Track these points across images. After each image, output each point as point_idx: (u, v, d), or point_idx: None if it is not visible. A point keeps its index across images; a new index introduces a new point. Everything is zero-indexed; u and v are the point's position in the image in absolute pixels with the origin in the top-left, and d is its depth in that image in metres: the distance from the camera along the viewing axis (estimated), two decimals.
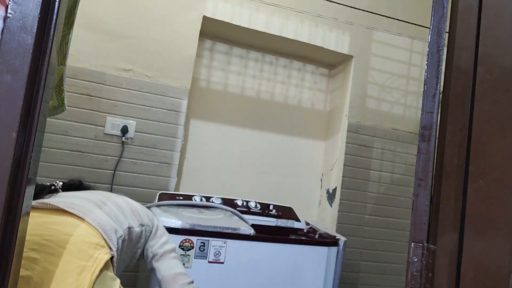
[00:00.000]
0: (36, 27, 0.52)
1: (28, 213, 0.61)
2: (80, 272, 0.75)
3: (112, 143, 1.81)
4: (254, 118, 2.28)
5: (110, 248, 0.87)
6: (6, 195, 0.50)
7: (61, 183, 1.19)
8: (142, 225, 1.12)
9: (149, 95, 1.86)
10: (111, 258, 0.87)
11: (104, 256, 0.82)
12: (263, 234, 1.59)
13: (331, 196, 2.22)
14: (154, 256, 1.15)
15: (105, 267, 0.82)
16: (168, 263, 1.13)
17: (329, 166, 2.30)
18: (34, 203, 0.90)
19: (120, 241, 0.95)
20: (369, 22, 2.22)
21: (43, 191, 1.07)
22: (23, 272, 0.70)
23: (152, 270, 1.15)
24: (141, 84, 1.86)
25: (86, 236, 0.83)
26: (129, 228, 1.04)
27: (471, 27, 0.63)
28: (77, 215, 0.87)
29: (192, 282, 1.14)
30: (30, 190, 0.59)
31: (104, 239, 0.87)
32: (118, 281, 0.86)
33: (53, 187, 1.14)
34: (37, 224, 0.80)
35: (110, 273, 0.83)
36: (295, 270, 1.51)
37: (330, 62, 2.39)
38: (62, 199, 0.97)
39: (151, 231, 1.17)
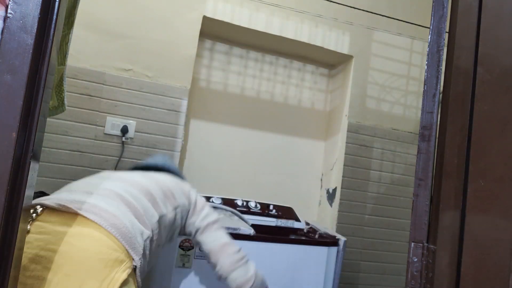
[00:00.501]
0: (36, 27, 0.52)
1: (28, 213, 0.61)
2: None
3: (112, 143, 1.81)
4: (254, 118, 2.28)
5: (133, 258, 0.85)
6: (6, 195, 0.50)
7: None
8: (176, 207, 1.11)
9: (149, 95, 1.86)
10: (134, 268, 0.85)
11: (121, 274, 0.79)
12: (263, 234, 1.59)
13: (331, 196, 2.22)
14: (197, 230, 1.15)
15: (124, 284, 0.79)
16: (213, 235, 1.15)
17: (329, 166, 2.30)
18: (53, 202, 0.84)
19: (147, 242, 0.93)
20: (369, 22, 2.22)
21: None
22: None
23: (198, 244, 1.17)
24: (141, 84, 1.86)
25: (104, 252, 0.79)
26: (161, 218, 1.02)
27: (471, 27, 0.63)
28: (98, 223, 0.83)
29: (240, 250, 1.15)
30: (30, 190, 0.58)
31: (126, 250, 0.84)
32: None
33: None
34: (55, 236, 0.78)
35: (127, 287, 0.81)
36: (295, 270, 1.51)
37: (330, 62, 2.39)
38: (81, 196, 0.90)
39: (189, 210, 1.17)
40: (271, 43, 2.19)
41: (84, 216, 0.83)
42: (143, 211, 0.97)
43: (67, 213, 0.84)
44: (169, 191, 1.12)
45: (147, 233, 0.94)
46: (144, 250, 0.90)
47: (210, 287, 1.41)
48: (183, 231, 1.19)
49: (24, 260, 0.73)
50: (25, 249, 0.71)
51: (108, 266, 0.78)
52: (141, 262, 0.88)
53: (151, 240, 0.96)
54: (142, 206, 0.98)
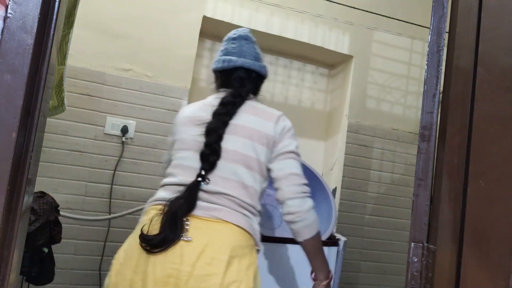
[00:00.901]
0: (36, 27, 0.52)
1: (28, 213, 0.61)
2: (248, 268, 0.93)
3: (112, 143, 1.81)
4: None
5: (257, 245, 1.03)
6: (6, 195, 0.50)
7: None
8: (273, 147, 1.12)
9: (149, 95, 1.86)
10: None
11: (257, 255, 1.01)
12: (264, 234, 1.59)
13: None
14: (271, 158, 1.12)
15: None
16: (283, 163, 1.10)
17: (329, 166, 2.30)
18: (201, 212, 0.97)
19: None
20: (369, 22, 2.22)
21: None
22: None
23: (268, 171, 1.12)
24: (141, 84, 1.86)
25: (246, 240, 0.98)
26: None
27: (471, 27, 0.63)
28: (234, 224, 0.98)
29: (306, 184, 1.10)
30: (30, 190, 0.58)
31: (254, 239, 1.02)
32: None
33: None
34: (211, 235, 0.94)
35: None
36: (295, 270, 1.51)
37: (330, 62, 2.39)
38: (214, 197, 1.00)
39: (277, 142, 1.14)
40: (271, 43, 2.19)
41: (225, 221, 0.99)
42: (260, 188, 1.09)
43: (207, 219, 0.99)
44: (264, 137, 1.12)
45: (259, 207, 1.08)
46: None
47: None
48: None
49: None
50: None
51: (252, 249, 1.00)
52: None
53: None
54: (257, 185, 1.08)
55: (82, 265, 1.76)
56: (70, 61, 1.71)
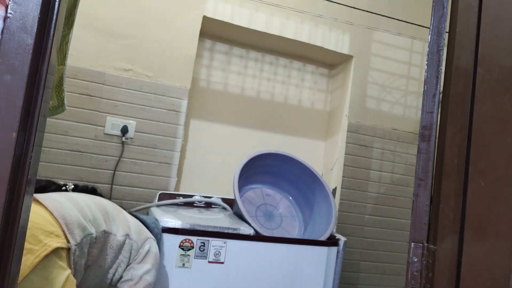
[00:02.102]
0: (36, 27, 0.52)
1: (28, 213, 0.61)
2: (25, 254, 0.80)
3: (112, 143, 1.81)
4: (254, 118, 2.28)
5: (68, 240, 0.92)
6: (6, 195, 0.50)
7: (72, 186, 1.26)
8: (128, 235, 1.14)
9: (149, 95, 1.86)
10: (68, 250, 0.92)
11: (55, 244, 0.87)
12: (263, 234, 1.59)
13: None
14: (130, 279, 1.12)
15: (55, 254, 0.87)
16: None
17: (329, 166, 2.30)
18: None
19: (88, 239, 1.00)
20: (369, 22, 2.22)
21: (49, 186, 1.18)
22: None
23: None
24: (141, 84, 1.86)
25: (42, 223, 0.89)
26: (106, 232, 1.08)
27: (471, 27, 0.63)
28: (44, 205, 0.95)
29: None
30: (30, 190, 0.58)
31: (63, 231, 0.93)
32: (68, 271, 0.89)
33: (63, 188, 1.23)
34: None
35: (61, 262, 0.88)
36: (295, 270, 1.51)
37: (330, 62, 2.39)
38: (51, 195, 1.04)
39: (138, 251, 1.16)
40: (271, 43, 2.19)
41: (37, 200, 0.97)
42: (91, 217, 1.06)
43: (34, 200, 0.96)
44: (126, 219, 1.17)
45: (89, 230, 1.01)
46: (82, 243, 0.97)
47: (210, 287, 1.41)
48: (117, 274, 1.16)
49: None
50: None
51: (43, 234, 0.87)
52: (76, 250, 0.94)
53: (94, 241, 1.02)
54: (91, 213, 1.07)
55: None
56: (70, 61, 1.71)
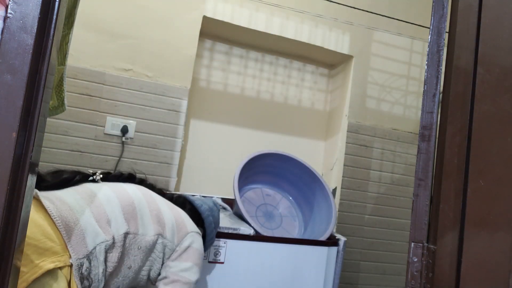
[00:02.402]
0: (36, 27, 0.52)
1: (28, 213, 0.61)
2: None
3: (112, 143, 1.81)
4: (254, 118, 2.28)
5: (70, 255, 0.84)
6: (6, 195, 0.50)
7: (101, 175, 1.13)
8: (159, 234, 1.06)
9: (149, 95, 1.86)
10: (71, 266, 0.84)
11: (48, 265, 0.78)
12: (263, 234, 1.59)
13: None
14: (165, 277, 1.06)
15: (49, 275, 0.79)
16: None
17: (329, 166, 2.30)
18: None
19: (102, 247, 0.92)
20: (369, 22, 2.22)
21: (74, 178, 1.05)
22: None
23: None
24: (141, 84, 1.86)
25: (37, 238, 0.79)
26: (131, 234, 1.00)
27: (471, 27, 0.63)
28: (48, 210, 0.85)
29: None
30: (30, 190, 0.58)
31: (65, 243, 0.84)
32: None
33: (91, 178, 1.11)
34: None
35: (56, 284, 0.79)
36: (295, 270, 1.51)
37: (330, 62, 2.39)
38: (60, 192, 0.94)
39: (173, 250, 1.08)
40: (271, 43, 2.19)
41: (39, 200, 0.86)
42: (110, 217, 0.97)
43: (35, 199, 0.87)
44: (159, 216, 1.08)
45: (103, 237, 0.93)
46: (94, 253, 0.90)
47: (210, 287, 1.41)
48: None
49: None
50: None
51: (36, 253, 0.78)
52: (80, 263, 0.86)
53: (109, 248, 0.95)
54: (111, 211, 0.98)
55: None
56: (70, 61, 1.71)
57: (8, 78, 0.51)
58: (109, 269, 0.96)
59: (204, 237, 1.24)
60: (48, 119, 1.22)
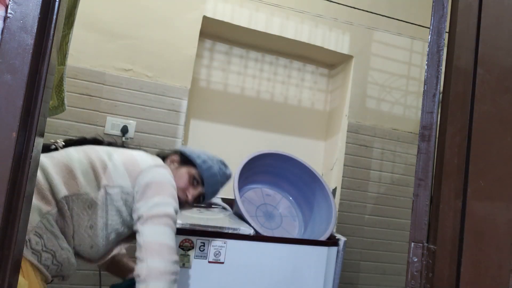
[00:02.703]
0: (36, 27, 0.52)
1: (28, 213, 0.61)
2: None
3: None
4: (254, 118, 2.28)
5: None
6: (6, 195, 0.50)
7: (63, 143, 1.12)
8: (105, 186, 1.03)
9: (149, 95, 1.86)
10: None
11: None
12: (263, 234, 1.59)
13: None
14: (139, 218, 1.02)
15: None
16: (154, 229, 1.00)
17: (329, 166, 2.30)
18: None
19: (49, 218, 0.95)
20: (369, 22, 2.22)
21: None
22: None
23: (136, 233, 1.02)
24: (141, 84, 1.86)
25: None
26: (67, 197, 0.99)
27: (471, 27, 0.63)
28: None
29: (177, 262, 1.01)
30: (30, 190, 0.58)
31: None
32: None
33: (52, 147, 1.10)
34: None
35: None
36: (295, 270, 1.51)
37: (330, 62, 2.39)
38: None
39: (135, 192, 1.05)
40: (271, 43, 2.19)
41: None
42: (49, 185, 0.98)
43: None
44: (103, 167, 1.04)
45: (45, 209, 0.95)
46: (41, 227, 0.94)
47: (210, 287, 1.41)
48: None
49: None
50: None
51: None
52: (27, 239, 0.90)
53: (58, 217, 0.97)
54: (50, 179, 0.98)
55: (82, 265, 1.76)
56: (70, 61, 1.70)
57: (8, 78, 0.51)
58: (69, 237, 0.99)
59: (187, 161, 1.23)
60: (48, 119, 1.22)
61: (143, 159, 1.10)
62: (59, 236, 0.98)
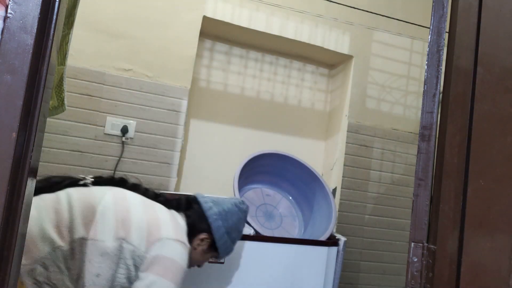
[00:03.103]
0: (36, 27, 0.52)
1: (28, 213, 0.61)
2: None
3: (112, 143, 1.81)
4: (254, 118, 2.28)
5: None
6: (6, 195, 0.50)
7: (92, 179, 1.12)
8: (121, 238, 1.00)
9: (149, 95, 1.86)
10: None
11: None
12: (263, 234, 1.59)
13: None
14: None
15: None
16: None
17: (329, 166, 2.30)
18: None
19: (59, 253, 0.94)
20: (369, 22, 2.22)
21: (63, 182, 1.05)
22: None
23: None
24: (141, 84, 1.86)
25: None
26: (84, 239, 0.97)
27: (471, 27, 0.63)
28: None
29: None
30: (30, 190, 0.58)
31: None
32: None
33: (81, 182, 1.10)
34: None
35: None
36: (295, 270, 1.51)
37: (330, 62, 2.39)
38: None
39: (144, 257, 1.01)
40: (271, 43, 2.19)
41: None
42: (69, 223, 0.97)
43: None
44: (127, 220, 1.02)
45: (58, 243, 0.95)
46: (49, 258, 0.93)
47: (210, 287, 1.41)
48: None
49: None
50: None
51: None
52: (31, 268, 0.89)
53: (68, 255, 0.96)
54: (71, 217, 0.98)
55: None
56: (70, 61, 1.70)
57: (8, 78, 0.51)
58: (74, 276, 0.97)
59: (214, 244, 1.17)
60: (48, 119, 1.22)
61: (167, 226, 1.06)
62: (64, 273, 0.96)
